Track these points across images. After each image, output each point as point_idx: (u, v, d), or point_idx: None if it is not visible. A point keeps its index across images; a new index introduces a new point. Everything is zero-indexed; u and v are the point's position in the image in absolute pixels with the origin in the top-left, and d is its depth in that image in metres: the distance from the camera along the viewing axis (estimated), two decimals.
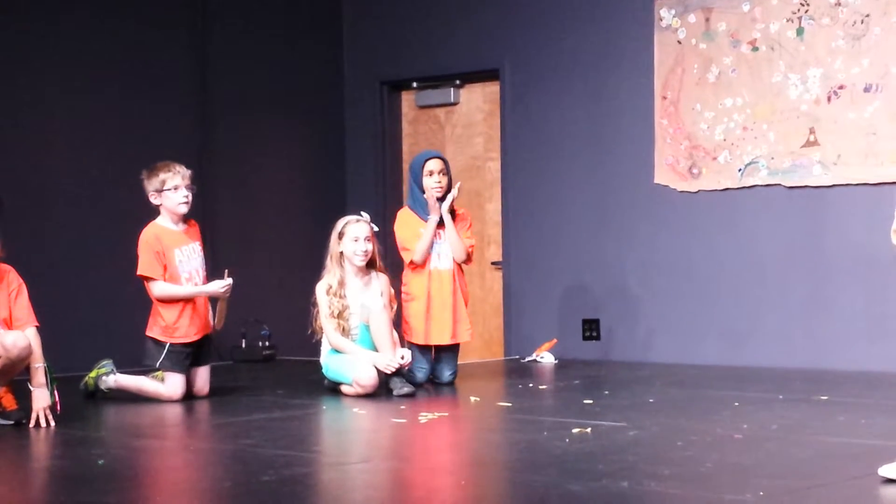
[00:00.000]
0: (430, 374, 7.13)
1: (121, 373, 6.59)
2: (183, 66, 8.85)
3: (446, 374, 7.16)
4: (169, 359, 6.42)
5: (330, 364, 6.71)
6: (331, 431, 5.87)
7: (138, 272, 6.43)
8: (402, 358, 6.61)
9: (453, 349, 7.24)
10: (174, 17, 8.81)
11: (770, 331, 7.97)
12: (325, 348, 6.79)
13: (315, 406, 6.27)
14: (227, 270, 6.53)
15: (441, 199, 7.10)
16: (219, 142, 8.98)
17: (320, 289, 6.77)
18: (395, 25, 9.66)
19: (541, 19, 8.93)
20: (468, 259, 7.25)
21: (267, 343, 8.81)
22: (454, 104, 9.54)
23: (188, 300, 6.47)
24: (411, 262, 7.14)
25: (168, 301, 6.42)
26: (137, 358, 6.57)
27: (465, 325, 7.23)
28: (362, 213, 6.94)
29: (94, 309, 8.16)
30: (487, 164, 9.38)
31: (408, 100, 9.82)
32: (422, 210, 7.15)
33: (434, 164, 7.15)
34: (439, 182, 7.07)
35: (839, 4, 7.74)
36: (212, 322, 6.60)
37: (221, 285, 6.48)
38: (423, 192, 7.13)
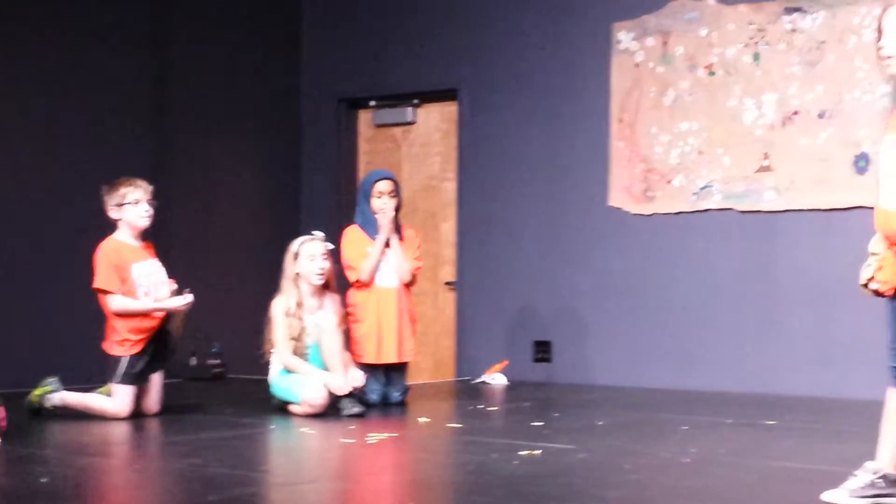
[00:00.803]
0: (381, 394, 7.10)
1: (67, 390, 6.51)
2: (139, 83, 8.78)
3: (395, 394, 7.13)
4: (126, 372, 6.35)
5: (279, 383, 6.67)
6: (279, 451, 5.82)
7: (95, 285, 6.37)
8: (356, 380, 6.59)
9: (401, 369, 7.22)
10: (131, 32, 8.75)
11: (720, 355, 8.00)
12: (274, 367, 6.74)
13: (263, 425, 6.22)
14: (187, 290, 6.50)
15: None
16: (174, 158, 8.92)
17: (278, 309, 6.71)
18: (353, 44, 9.65)
19: (499, 40, 8.95)
20: (413, 280, 7.24)
21: (217, 361, 8.75)
22: (411, 123, 9.53)
23: (145, 314, 6.41)
24: (357, 281, 7.11)
25: (125, 315, 6.37)
26: (87, 374, 6.50)
27: (410, 344, 7.21)
28: (315, 232, 6.91)
29: (44, 324, 8.06)
30: (443, 185, 9.37)
31: (365, 118, 9.81)
32: (370, 228, 7.13)
33: (384, 186, 7.14)
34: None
35: (795, 31, 7.80)
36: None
37: (182, 301, 6.44)
38: (373, 211, 7.11)
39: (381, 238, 7.10)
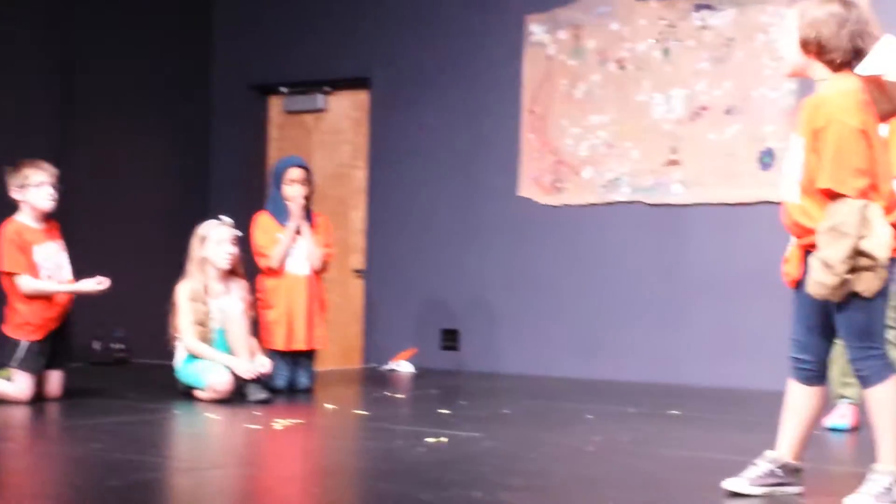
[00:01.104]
0: (288, 380, 7.07)
1: None
2: (45, 65, 8.62)
3: (303, 381, 7.11)
4: (25, 357, 6.25)
5: (185, 368, 6.61)
6: (183, 436, 5.77)
7: (3, 268, 6.27)
8: (263, 366, 6.55)
9: (309, 355, 7.19)
10: (37, 15, 8.59)
11: (625, 345, 8.08)
12: (179, 352, 6.68)
13: (168, 410, 6.15)
14: (98, 277, 6.42)
15: (304, 208, 7.07)
16: (80, 140, 8.78)
17: (182, 293, 6.65)
18: (265, 30, 9.58)
19: (413, 29, 8.94)
20: (324, 267, 7.22)
21: (121, 346, 8.65)
22: (322, 111, 9.49)
23: (48, 297, 6.32)
24: (267, 268, 7.07)
25: (33, 297, 6.27)
26: None
27: (321, 331, 7.19)
28: (223, 217, 6.85)
29: None
30: (354, 172, 9.35)
31: (276, 105, 9.74)
32: (281, 215, 7.09)
33: (296, 173, 7.11)
34: (301, 191, 7.01)
35: (704, 28, 7.89)
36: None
37: (94, 285, 6.36)
38: (285, 199, 7.08)
39: (292, 225, 7.07)
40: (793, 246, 3.98)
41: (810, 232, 3.84)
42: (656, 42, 8.06)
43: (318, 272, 7.21)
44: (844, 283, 3.72)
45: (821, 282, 3.74)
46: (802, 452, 4.06)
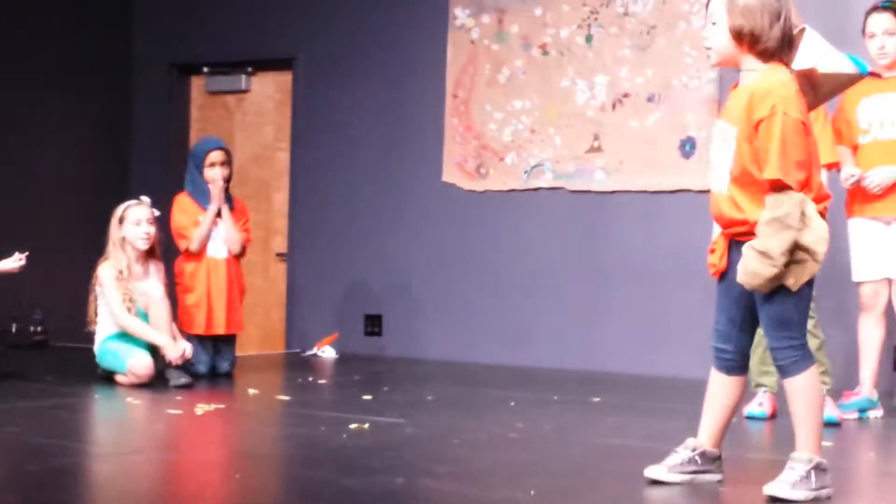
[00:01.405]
0: (209, 365, 7.03)
1: None
2: None
3: (224, 366, 7.07)
4: None
5: (105, 351, 6.53)
6: (103, 421, 5.72)
7: None
8: (185, 351, 6.50)
9: (230, 340, 7.15)
10: None
11: (548, 332, 8.11)
12: (100, 335, 6.60)
13: (87, 395, 6.09)
14: (18, 253, 6.35)
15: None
16: None
17: (107, 273, 6.56)
18: (188, 8, 9.48)
19: (336, 11, 8.89)
20: (243, 252, 7.18)
21: (39, 328, 8.52)
22: (245, 91, 9.41)
23: None
24: (187, 251, 7.02)
25: None
26: None
27: (239, 315, 7.16)
28: (142, 197, 6.78)
29: None
30: (277, 154, 9.29)
31: (198, 85, 9.65)
32: (202, 198, 7.03)
33: (216, 156, 7.06)
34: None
35: (627, 14, 7.94)
36: None
37: (14, 262, 6.30)
38: (205, 181, 7.02)
39: (212, 208, 7.01)
40: (718, 236, 4.01)
41: (739, 223, 3.87)
42: (579, 28, 8.09)
43: (238, 256, 7.16)
44: (779, 275, 3.76)
45: (756, 272, 3.76)
46: (722, 440, 4.12)
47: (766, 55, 3.87)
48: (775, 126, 3.75)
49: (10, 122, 8.76)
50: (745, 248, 3.80)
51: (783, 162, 3.73)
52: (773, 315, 3.86)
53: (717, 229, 4.06)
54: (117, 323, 6.51)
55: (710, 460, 4.08)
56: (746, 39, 3.86)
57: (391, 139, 8.71)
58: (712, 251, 4.03)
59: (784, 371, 3.90)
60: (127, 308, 6.52)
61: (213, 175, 7.02)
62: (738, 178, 3.86)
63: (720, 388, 4.06)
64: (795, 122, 3.76)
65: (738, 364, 4.04)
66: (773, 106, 3.76)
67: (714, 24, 3.92)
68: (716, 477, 4.09)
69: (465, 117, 8.40)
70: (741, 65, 3.92)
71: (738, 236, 3.89)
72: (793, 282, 3.77)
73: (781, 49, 3.86)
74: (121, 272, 6.55)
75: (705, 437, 4.08)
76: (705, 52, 4.02)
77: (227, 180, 7.09)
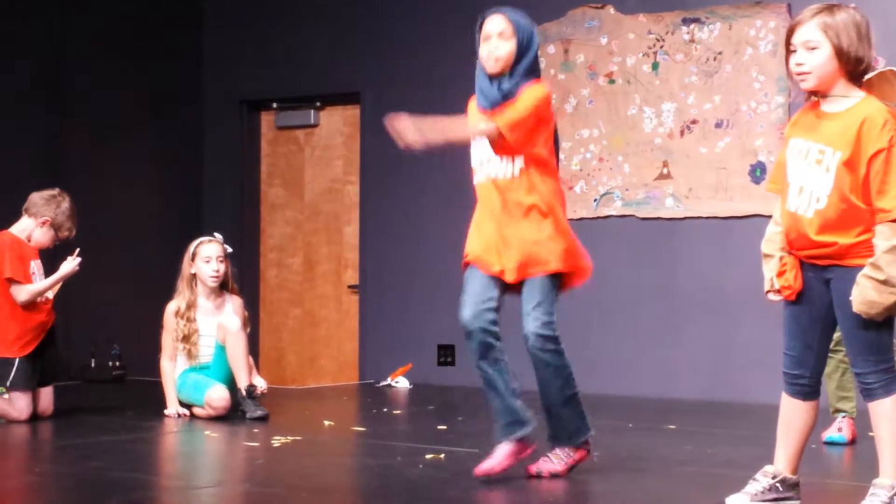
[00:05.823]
0: None
1: None
2: (36, 85, 8.64)
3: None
4: (18, 376, 6.26)
5: (183, 384, 6.61)
6: (181, 454, 5.78)
7: (8, 275, 6.28)
8: (260, 386, 6.57)
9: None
10: (30, 31, 8.61)
11: (620, 359, 8.09)
12: (178, 368, 6.68)
13: (165, 428, 6.17)
14: (76, 250, 6.48)
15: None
16: (74, 159, 8.78)
17: (168, 310, 6.68)
18: (256, 45, 9.60)
19: (400, 44, 8.96)
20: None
21: (117, 363, 8.64)
22: (314, 126, 9.51)
23: (35, 310, 6.34)
24: None
25: (26, 307, 6.28)
26: None
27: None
28: (215, 233, 6.85)
29: None
30: (346, 188, 9.36)
31: (267, 120, 9.76)
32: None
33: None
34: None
35: (693, 41, 7.94)
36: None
37: (71, 264, 6.42)
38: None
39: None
40: (787, 258, 3.97)
41: (821, 245, 3.84)
42: (645, 56, 8.09)
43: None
44: None
45: (875, 301, 3.75)
46: (799, 466, 4.09)
47: (858, 79, 3.85)
48: (894, 157, 3.75)
49: (88, 163, 8.90)
50: (861, 278, 3.78)
51: None
52: (866, 341, 3.85)
53: (778, 252, 3.99)
54: (162, 361, 6.66)
55: (790, 487, 4.06)
56: (851, 63, 3.83)
57: (461, 170, 8.72)
58: (781, 273, 3.98)
59: (871, 395, 3.86)
60: (185, 347, 6.59)
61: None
62: (833, 203, 3.83)
63: (795, 413, 4.03)
64: None
65: (813, 389, 4.02)
66: (891, 137, 3.76)
67: (813, 48, 3.86)
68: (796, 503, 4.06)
69: None
70: (831, 90, 3.87)
71: (814, 259, 3.88)
72: None
73: (864, 74, 3.86)
74: (179, 310, 6.63)
75: (783, 463, 4.06)
76: (796, 77, 3.90)
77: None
